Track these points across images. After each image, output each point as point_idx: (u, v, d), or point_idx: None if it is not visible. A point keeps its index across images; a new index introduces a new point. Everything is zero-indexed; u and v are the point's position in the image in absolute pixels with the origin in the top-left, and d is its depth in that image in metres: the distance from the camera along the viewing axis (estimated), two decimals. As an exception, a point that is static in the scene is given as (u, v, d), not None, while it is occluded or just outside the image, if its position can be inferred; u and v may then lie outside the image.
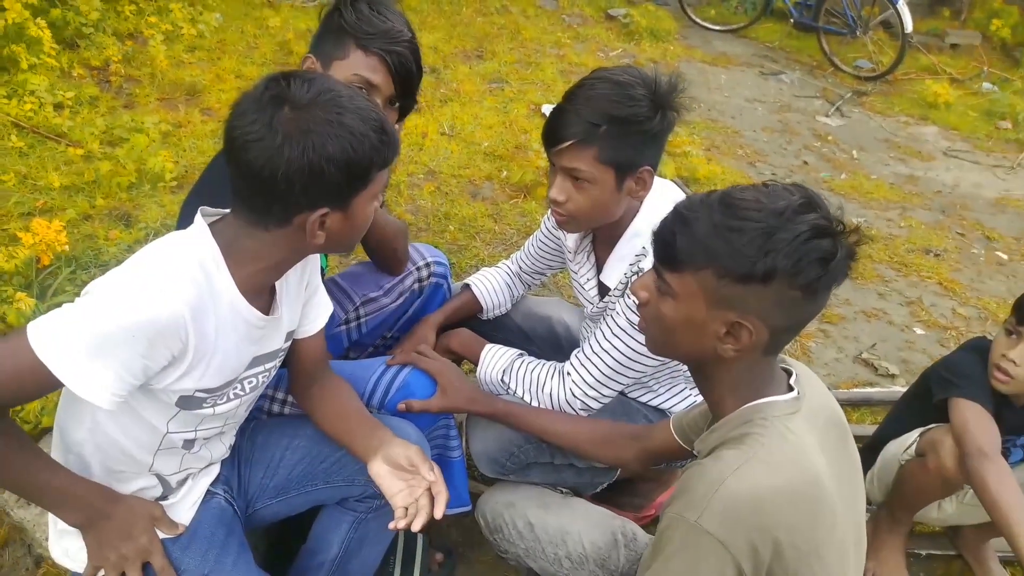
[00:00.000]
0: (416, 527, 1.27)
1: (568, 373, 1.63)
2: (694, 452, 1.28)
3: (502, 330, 2.04)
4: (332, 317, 1.93)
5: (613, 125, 1.45)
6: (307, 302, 1.40)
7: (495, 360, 1.72)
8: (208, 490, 1.40)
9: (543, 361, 1.70)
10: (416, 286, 1.97)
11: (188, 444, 1.29)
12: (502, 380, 1.69)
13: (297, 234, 1.15)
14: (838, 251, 1.04)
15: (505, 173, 3.86)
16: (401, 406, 1.57)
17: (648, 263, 1.39)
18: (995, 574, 2.03)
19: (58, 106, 3.59)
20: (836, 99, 5.81)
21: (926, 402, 1.88)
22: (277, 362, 1.36)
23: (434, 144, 4.05)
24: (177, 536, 1.30)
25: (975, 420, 1.71)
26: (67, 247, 2.55)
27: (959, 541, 2.11)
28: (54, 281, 2.48)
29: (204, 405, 1.22)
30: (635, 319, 1.54)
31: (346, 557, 1.54)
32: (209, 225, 1.17)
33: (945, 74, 6.54)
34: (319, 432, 1.46)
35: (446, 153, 3.97)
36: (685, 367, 1.72)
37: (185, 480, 1.35)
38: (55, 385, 1.05)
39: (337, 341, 1.91)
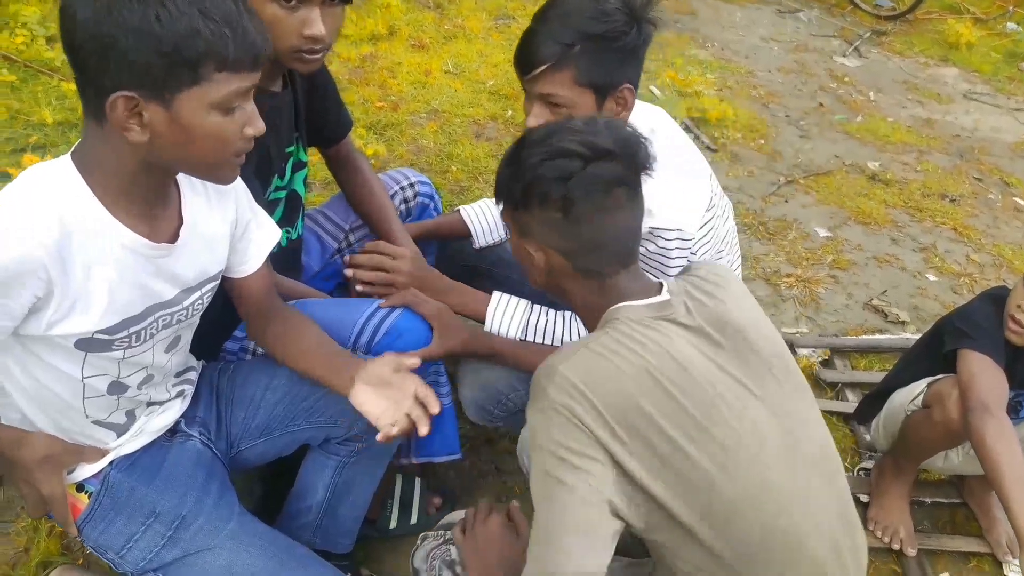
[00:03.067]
0: (423, 431, 1.26)
1: None
2: None
3: (506, 267, 1.96)
4: (324, 248, 1.88)
5: (588, 43, 1.37)
6: (239, 239, 1.30)
7: (506, 321, 1.63)
8: (183, 431, 1.35)
9: (555, 312, 1.62)
10: (402, 207, 1.91)
11: (115, 388, 1.21)
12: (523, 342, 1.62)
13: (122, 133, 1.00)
14: (576, 169, 1.10)
15: (510, 112, 3.75)
16: (410, 362, 1.45)
17: None
18: (999, 522, 2.00)
19: (50, 39, 3.48)
20: (854, 39, 5.62)
21: (937, 352, 1.82)
22: (192, 302, 1.24)
23: (438, 82, 3.94)
24: (152, 480, 1.27)
25: (982, 373, 1.66)
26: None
27: (964, 489, 2.09)
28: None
29: (113, 347, 1.14)
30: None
31: (334, 500, 1.52)
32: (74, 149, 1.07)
33: (968, 13, 6.31)
34: None
35: (450, 92, 3.86)
36: None
37: (133, 415, 1.29)
38: None
39: (334, 270, 1.87)
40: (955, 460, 1.91)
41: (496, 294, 1.65)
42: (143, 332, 1.17)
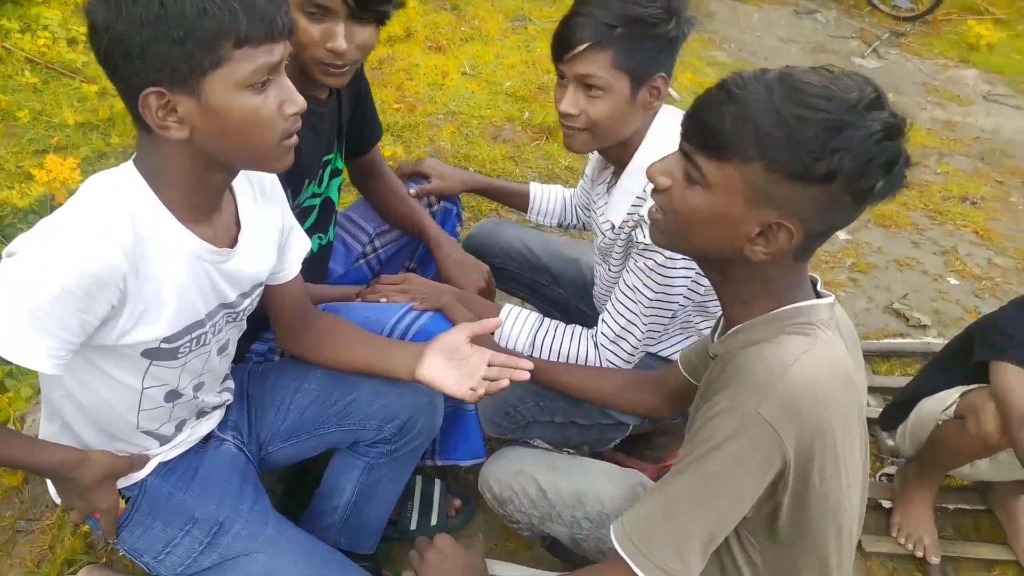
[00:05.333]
0: (522, 376, 1.28)
1: (603, 346, 1.57)
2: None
3: (530, 270, 2.01)
4: (349, 252, 1.89)
5: (629, 27, 1.38)
6: (284, 245, 1.30)
7: (515, 334, 1.64)
8: (217, 436, 1.36)
9: (564, 329, 1.63)
10: (426, 211, 1.93)
11: (171, 395, 1.21)
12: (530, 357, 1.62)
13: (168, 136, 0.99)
14: (901, 156, 0.94)
15: (527, 114, 3.75)
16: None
17: (646, 210, 1.29)
18: (1025, 530, 1.97)
19: (72, 41, 3.51)
20: (873, 40, 5.59)
21: (967, 360, 1.80)
22: (246, 305, 1.25)
23: (455, 84, 3.94)
24: (189, 485, 1.27)
25: (1020, 386, 1.64)
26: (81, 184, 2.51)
27: (989, 496, 2.06)
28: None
29: (178, 355, 1.13)
30: (647, 281, 1.48)
31: (359, 502, 1.52)
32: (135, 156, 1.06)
33: (989, 14, 6.26)
34: (329, 375, 1.41)
35: (467, 93, 3.86)
36: (697, 320, 1.67)
37: (182, 427, 1.29)
38: None
39: (359, 276, 1.88)
40: (982, 467, 1.88)
41: (506, 307, 1.67)
42: (203, 336, 1.17)
